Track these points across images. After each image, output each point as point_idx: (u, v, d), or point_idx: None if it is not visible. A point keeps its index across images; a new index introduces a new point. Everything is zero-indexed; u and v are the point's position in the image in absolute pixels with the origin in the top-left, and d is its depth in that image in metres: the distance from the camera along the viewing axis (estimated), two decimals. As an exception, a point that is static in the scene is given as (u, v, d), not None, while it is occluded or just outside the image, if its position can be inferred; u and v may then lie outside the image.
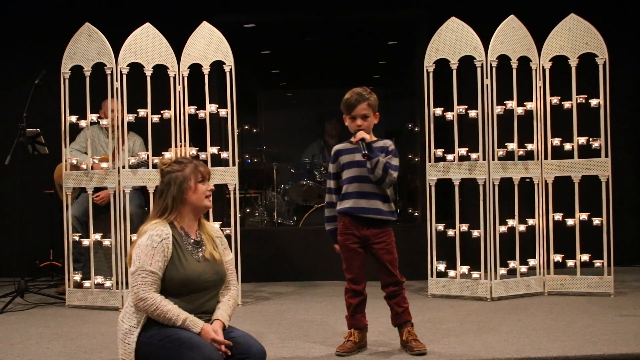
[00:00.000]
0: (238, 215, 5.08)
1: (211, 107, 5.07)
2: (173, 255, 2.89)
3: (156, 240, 2.85)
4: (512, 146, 5.09)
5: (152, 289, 2.83)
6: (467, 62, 5.04)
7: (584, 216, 5.04)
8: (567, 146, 5.07)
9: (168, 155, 4.92)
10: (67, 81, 5.01)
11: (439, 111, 5.14)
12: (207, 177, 3.04)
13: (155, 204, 3.04)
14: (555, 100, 5.13)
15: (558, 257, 5.11)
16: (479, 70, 4.97)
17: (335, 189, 3.69)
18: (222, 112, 5.08)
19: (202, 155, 5.04)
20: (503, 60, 5.02)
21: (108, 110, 5.08)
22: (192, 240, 2.99)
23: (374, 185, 3.55)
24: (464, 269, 5.07)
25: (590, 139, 5.04)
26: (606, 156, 5.01)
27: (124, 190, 4.88)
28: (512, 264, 5.04)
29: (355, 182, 3.58)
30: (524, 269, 5.08)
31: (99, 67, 4.93)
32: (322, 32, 8.04)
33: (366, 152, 3.46)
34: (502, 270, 5.01)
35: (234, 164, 5.03)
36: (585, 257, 5.05)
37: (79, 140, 5.41)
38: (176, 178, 2.96)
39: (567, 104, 5.10)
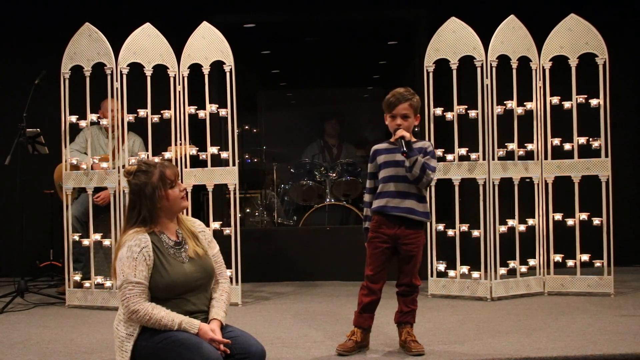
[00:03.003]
0: (238, 215, 5.08)
1: (211, 107, 5.07)
2: (155, 262, 2.85)
3: (136, 251, 2.81)
4: (512, 146, 5.09)
5: (142, 299, 2.79)
6: (467, 62, 5.04)
7: (584, 216, 5.04)
8: (567, 146, 5.07)
9: (168, 155, 4.94)
10: (67, 81, 5.01)
11: (439, 111, 5.14)
12: (175, 180, 2.95)
13: (128, 214, 2.95)
14: (555, 100, 5.13)
15: (558, 257, 5.10)
16: (479, 70, 4.97)
17: (372, 189, 3.70)
18: (222, 112, 5.08)
19: (202, 155, 5.04)
20: (503, 60, 5.02)
21: (107, 110, 5.08)
22: (172, 242, 2.93)
23: (410, 184, 3.55)
24: (464, 269, 5.07)
25: (590, 139, 5.04)
26: (606, 156, 5.01)
27: (124, 190, 4.88)
28: (512, 264, 5.04)
29: (391, 182, 3.58)
30: (524, 269, 5.08)
31: (99, 67, 4.93)
32: (322, 32, 8.05)
33: (405, 149, 3.46)
34: (502, 270, 5.01)
35: (234, 164, 5.03)
36: (585, 257, 5.05)
37: (79, 141, 5.40)
38: (145, 189, 2.88)
39: (567, 104, 5.10)
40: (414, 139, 3.61)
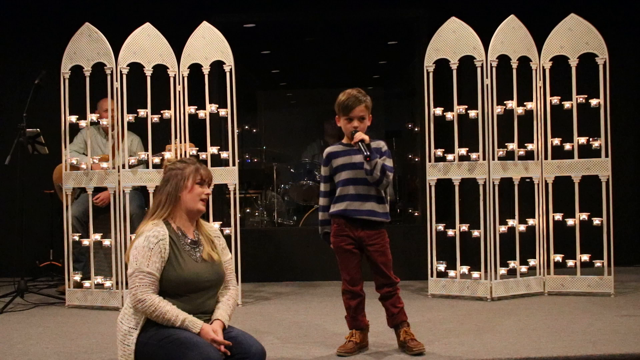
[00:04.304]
0: (238, 215, 5.08)
1: (211, 107, 5.07)
2: (170, 255, 2.88)
3: (152, 242, 2.85)
4: (512, 146, 5.09)
5: (150, 290, 2.82)
6: (467, 62, 5.04)
7: (584, 216, 5.04)
8: (567, 146, 5.07)
9: (168, 155, 4.94)
10: (67, 81, 5.01)
11: (439, 111, 5.13)
12: (206, 181, 3.02)
13: (153, 200, 3.06)
14: (555, 100, 5.13)
15: (558, 257, 5.10)
16: (479, 70, 4.97)
17: (328, 192, 3.68)
18: (222, 112, 5.08)
19: (202, 155, 5.04)
20: (503, 60, 5.02)
21: (103, 110, 5.09)
22: (189, 240, 2.98)
23: (369, 187, 3.54)
24: (464, 269, 5.07)
25: (590, 139, 5.04)
26: (606, 156, 5.01)
27: (124, 190, 4.88)
28: (512, 264, 5.04)
29: (350, 185, 3.56)
30: (524, 269, 5.08)
31: (99, 67, 4.93)
32: (322, 32, 8.04)
33: (368, 153, 3.44)
34: (502, 270, 5.01)
35: (234, 164, 5.03)
36: (585, 257, 5.05)
37: (77, 142, 5.41)
38: (175, 175, 2.97)
39: (567, 104, 5.10)
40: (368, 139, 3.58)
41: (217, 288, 3.02)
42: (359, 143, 3.47)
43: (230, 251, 4.84)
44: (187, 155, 5.01)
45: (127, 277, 2.88)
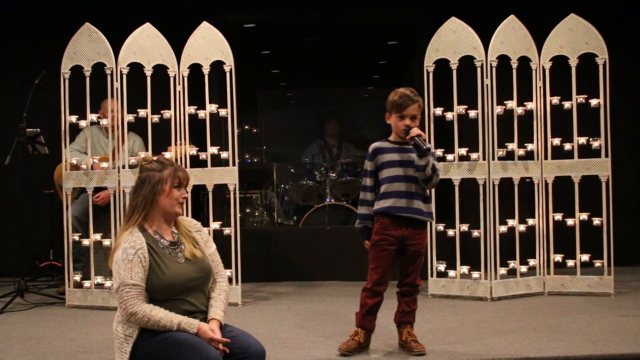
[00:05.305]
0: (238, 215, 5.08)
1: (211, 107, 5.07)
2: (151, 263, 2.83)
3: (131, 253, 2.80)
4: (512, 146, 5.09)
5: (139, 301, 2.79)
6: (467, 62, 5.04)
7: (584, 216, 5.04)
8: (567, 146, 5.07)
9: (168, 155, 4.93)
10: (67, 81, 5.01)
11: (439, 111, 5.14)
12: (184, 184, 2.96)
13: (129, 202, 2.99)
14: (555, 100, 5.13)
15: (558, 257, 5.10)
16: (479, 70, 4.97)
17: (371, 187, 3.64)
18: (222, 112, 5.08)
19: (202, 155, 5.04)
20: (503, 60, 5.02)
21: (107, 110, 5.09)
22: (168, 243, 2.92)
23: (416, 185, 3.52)
24: (464, 269, 5.07)
25: (590, 139, 5.04)
26: (606, 156, 5.01)
27: (124, 190, 4.88)
28: (512, 264, 5.04)
29: (396, 182, 3.53)
30: (524, 269, 5.08)
31: (99, 67, 4.94)
32: (322, 32, 8.05)
33: (427, 147, 3.42)
34: (502, 270, 5.01)
35: (234, 164, 5.03)
36: (585, 257, 5.05)
37: (79, 141, 5.40)
38: (152, 177, 2.90)
39: (567, 104, 5.10)
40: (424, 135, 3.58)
41: (206, 284, 2.98)
42: (416, 138, 3.45)
43: (230, 251, 4.89)
44: (188, 157, 5.01)
45: (114, 292, 2.85)
